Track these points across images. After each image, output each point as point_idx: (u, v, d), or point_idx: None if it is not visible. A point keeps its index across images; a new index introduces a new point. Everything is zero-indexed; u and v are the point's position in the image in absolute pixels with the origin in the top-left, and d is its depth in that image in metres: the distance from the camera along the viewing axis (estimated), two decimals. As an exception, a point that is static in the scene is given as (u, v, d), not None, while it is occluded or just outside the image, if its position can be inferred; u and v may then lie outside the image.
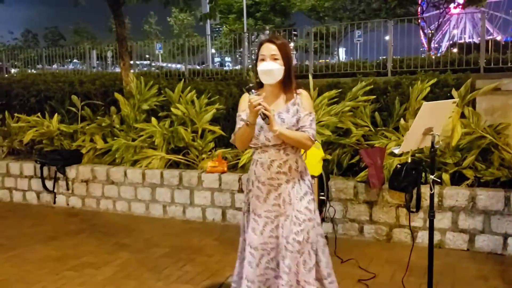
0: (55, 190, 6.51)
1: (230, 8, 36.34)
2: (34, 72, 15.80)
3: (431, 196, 2.91)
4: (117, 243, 4.88)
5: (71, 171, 6.40)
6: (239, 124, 2.76)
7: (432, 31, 36.65)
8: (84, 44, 17.84)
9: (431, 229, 2.96)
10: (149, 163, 6.06)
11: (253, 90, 2.53)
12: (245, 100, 2.70)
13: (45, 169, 6.51)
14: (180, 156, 6.14)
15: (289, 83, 2.73)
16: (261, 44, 2.75)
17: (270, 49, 2.66)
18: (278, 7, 36.36)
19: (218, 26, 43.10)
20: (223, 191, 5.46)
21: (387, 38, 14.20)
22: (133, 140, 6.44)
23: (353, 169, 5.50)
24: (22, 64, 19.34)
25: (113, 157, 6.41)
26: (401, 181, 4.52)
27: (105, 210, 6.21)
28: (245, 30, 30.02)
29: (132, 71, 9.88)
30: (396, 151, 2.84)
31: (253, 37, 21.77)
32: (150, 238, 5.03)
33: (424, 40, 41.00)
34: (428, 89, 5.72)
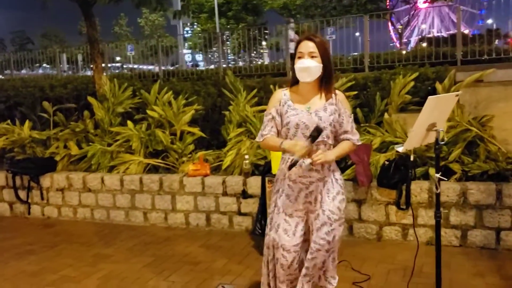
0: (29, 200, 6.20)
1: (201, 8, 36.00)
2: (2, 77, 15.27)
3: (437, 196, 2.77)
4: (97, 254, 4.64)
5: (45, 180, 6.10)
6: (268, 122, 2.79)
7: (402, 26, 37.09)
8: (54, 48, 17.33)
9: (438, 229, 2.81)
10: (127, 169, 5.82)
11: (310, 140, 2.56)
12: (275, 98, 2.80)
13: (18, 178, 6.20)
14: (159, 160, 5.93)
15: (328, 81, 2.72)
16: (299, 42, 2.73)
17: (308, 46, 2.65)
18: (250, 6, 36.16)
19: (190, 26, 42.75)
20: (206, 195, 5.26)
21: (357, 34, 14.22)
22: (109, 145, 6.20)
23: (338, 166, 5.36)
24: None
25: (89, 164, 6.15)
26: (390, 178, 4.42)
27: (83, 219, 5.93)
28: (217, 29, 29.74)
29: (104, 73, 9.60)
30: (400, 149, 2.71)
31: (224, 36, 21.57)
32: (131, 248, 4.80)
33: (394, 36, 41.47)
34: (412, 83, 5.67)
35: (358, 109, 5.70)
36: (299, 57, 2.66)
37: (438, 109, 2.56)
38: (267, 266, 2.95)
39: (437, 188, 2.73)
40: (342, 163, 5.28)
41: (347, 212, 4.63)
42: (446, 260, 3.99)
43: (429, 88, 6.53)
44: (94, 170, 6.06)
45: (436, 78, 6.56)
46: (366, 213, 4.63)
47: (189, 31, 42.70)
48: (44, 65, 21.01)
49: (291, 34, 13.14)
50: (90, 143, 6.33)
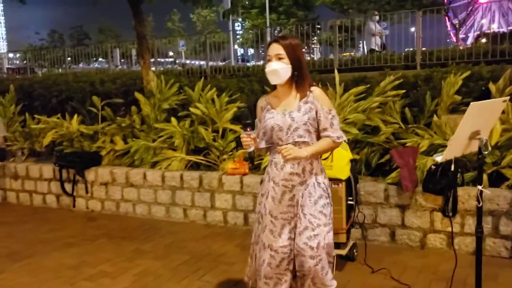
0: (74, 194, 6.37)
1: (253, 3, 36.00)
2: (58, 72, 15.83)
3: (479, 210, 2.58)
4: (136, 250, 4.69)
5: (90, 174, 6.24)
6: (258, 129, 2.82)
7: (459, 22, 35.62)
8: (108, 43, 17.81)
9: (478, 246, 2.63)
10: (168, 165, 5.86)
11: (247, 128, 2.61)
12: (259, 107, 2.85)
13: (64, 171, 6.38)
14: (200, 157, 5.93)
15: (300, 81, 2.70)
16: (268, 45, 2.74)
17: (274, 49, 2.65)
18: (301, 1, 35.85)
19: (241, 22, 42.87)
20: (244, 194, 5.22)
21: (412, 29, 13.73)
22: (154, 141, 6.25)
23: (382, 168, 5.19)
24: (49, 64, 19.48)
25: (132, 159, 6.23)
26: (436, 183, 4.20)
27: (125, 214, 6.03)
28: (267, 24, 29.66)
29: (154, 69, 9.74)
30: (439, 159, 2.55)
31: (276, 31, 21.45)
32: (170, 244, 4.83)
33: (451, 31, 39.91)
34: (461, 82, 5.38)
35: (407, 109, 5.45)
36: (268, 60, 2.67)
37: (482, 116, 2.37)
38: (251, 258, 2.99)
39: (479, 202, 2.53)
40: (387, 166, 5.11)
41: (390, 218, 4.49)
42: (493, 272, 3.76)
43: (483, 88, 6.21)
44: (138, 166, 6.14)
45: (491, 77, 6.22)
46: (410, 219, 4.42)
47: (240, 27, 42.87)
48: (100, 59, 21.64)
49: (373, 27, 12.81)
50: (135, 139, 6.42)
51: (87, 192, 6.28)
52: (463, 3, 39.55)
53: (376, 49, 12.62)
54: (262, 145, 2.76)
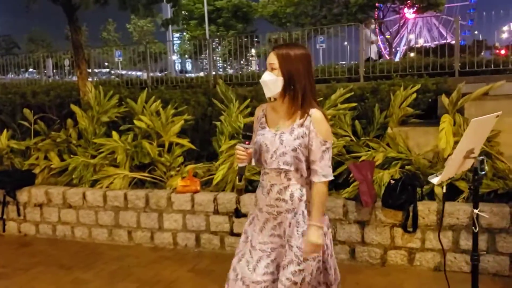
0: (4, 217, 5.75)
1: (191, 14, 35.71)
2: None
3: (475, 235, 2.39)
4: (76, 279, 4.23)
5: (23, 195, 5.66)
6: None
7: (389, 37, 37.06)
8: (39, 52, 16.88)
9: (474, 274, 2.46)
10: (111, 183, 5.43)
11: (246, 141, 2.32)
12: (255, 115, 2.54)
13: (-8, 192, 5.77)
14: (145, 174, 5.56)
15: (294, 99, 2.33)
16: (269, 53, 2.41)
17: (270, 57, 2.36)
18: (240, 13, 36.02)
19: (180, 33, 42.46)
20: (196, 213, 4.88)
21: (345, 43, 14.01)
22: (93, 157, 5.80)
23: (335, 182, 5.05)
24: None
25: (70, 177, 5.73)
26: (396, 198, 4.09)
27: (62, 238, 5.50)
28: (207, 36, 29.45)
29: (90, 79, 9.23)
30: (435, 181, 2.34)
31: (214, 43, 21.25)
32: (114, 271, 4.40)
33: (381, 45, 41.43)
34: (414, 95, 5.36)
35: (356, 121, 5.38)
36: (264, 70, 2.44)
37: (477, 133, 2.23)
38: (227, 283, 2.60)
39: (475, 226, 2.33)
40: (340, 179, 4.98)
41: (349, 234, 4.33)
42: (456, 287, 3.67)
43: (430, 100, 6.28)
44: (76, 184, 5.65)
45: (436, 90, 6.31)
46: (370, 235, 4.28)
47: (179, 38, 42.41)
48: (30, 69, 20.57)
49: (369, 35, 12.59)
50: (73, 155, 5.94)
51: (19, 214, 5.68)
52: (393, 18, 41.22)
53: (374, 57, 12.38)
54: (252, 163, 2.44)
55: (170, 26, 8.29)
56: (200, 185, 5.06)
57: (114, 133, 5.82)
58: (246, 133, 2.32)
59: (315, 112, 2.30)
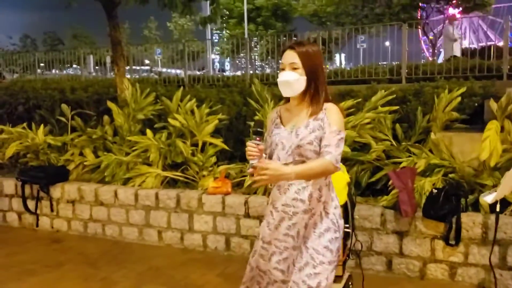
0: (37, 212, 5.80)
1: (231, 13, 35.76)
2: (26, 78, 15.19)
3: None
4: (105, 279, 4.18)
5: (56, 190, 5.68)
6: (266, 144, 2.43)
7: (431, 38, 36.12)
8: (81, 49, 17.22)
9: None
10: (143, 182, 5.37)
11: (257, 137, 2.20)
12: (269, 119, 2.50)
13: (27, 187, 5.80)
14: (178, 173, 5.48)
15: (315, 95, 2.33)
16: (283, 52, 2.33)
17: (289, 57, 2.31)
18: (279, 12, 35.78)
19: (218, 32, 42.63)
20: (226, 216, 4.77)
21: (387, 43, 13.59)
22: (127, 154, 5.76)
23: (372, 188, 4.84)
24: (20, 70, 18.78)
25: (103, 174, 5.71)
26: (438, 209, 3.84)
27: (93, 235, 5.49)
28: (246, 35, 29.42)
29: (129, 76, 9.28)
30: (489, 199, 2.13)
31: (252, 42, 21.21)
32: (143, 272, 4.33)
33: (424, 46, 40.36)
34: (459, 99, 5.08)
35: (397, 125, 5.14)
36: (282, 69, 2.34)
37: None
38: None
39: None
40: (379, 185, 4.76)
41: (386, 245, 4.11)
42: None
43: (476, 104, 5.95)
44: (109, 182, 5.63)
45: (483, 93, 5.98)
46: (409, 247, 4.04)
47: (218, 36, 42.59)
48: (74, 66, 21.08)
49: (452, 31, 11.93)
50: (107, 152, 5.93)
51: (52, 210, 5.71)
52: (438, 18, 40.13)
53: (458, 55, 11.62)
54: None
55: (208, 24, 8.22)
56: (231, 186, 4.94)
57: (148, 131, 5.77)
58: (257, 129, 2.21)
59: (330, 105, 2.32)
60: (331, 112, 2.29)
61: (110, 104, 6.30)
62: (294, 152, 2.27)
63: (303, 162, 2.26)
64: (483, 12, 32.56)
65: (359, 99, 5.31)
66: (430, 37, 36.19)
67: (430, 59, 31.23)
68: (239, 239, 4.72)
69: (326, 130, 2.25)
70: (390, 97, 5.23)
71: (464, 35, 47.99)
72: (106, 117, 6.43)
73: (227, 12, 35.20)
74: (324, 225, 2.32)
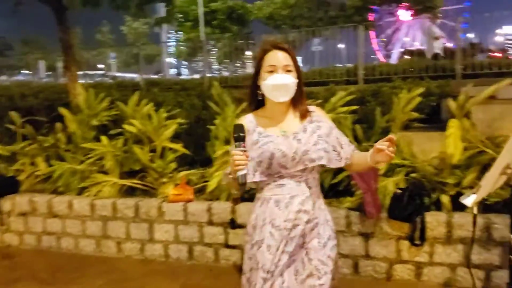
0: (-14, 226, 5.47)
1: (186, 16, 35.42)
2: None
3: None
4: (60, 296, 3.96)
5: (6, 203, 5.36)
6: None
7: (384, 40, 37.07)
8: (32, 54, 16.66)
9: None
10: (99, 191, 5.14)
11: (241, 143, 1.98)
12: (247, 130, 2.18)
13: (-26, 200, 5.47)
14: (136, 181, 5.27)
15: (301, 98, 2.23)
16: (265, 51, 2.15)
17: (282, 58, 2.15)
18: (234, 15, 35.75)
19: (173, 35, 42.25)
20: (189, 224, 4.60)
21: (340, 45, 13.80)
22: (82, 162, 5.51)
23: (335, 189, 4.80)
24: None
25: (56, 185, 5.44)
26: (403, 209, 3.83)
27: (48, 249, 5.20)
28: (202, 38, 29.18)
29: (83, 81, 8.97)
30: (469, 202, 2.08)
31: (209, 45, 21.03)
32: (101, 286, 4.13)
33: (376, 48, 41.28)
34: (419, 98, 5.11)
35: (357, 126, 5.14)
36: (271, 71, 2.14)
37: None
38: None
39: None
40: (341, 186, 4.72)
41: (352, 247, 4.07)
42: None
43: (433, 104, 6.06)
44: (62, 192, 5.36)
45: (439, 93, 6.09)
46: (375, 248, 4.01)
47: (173, 40, 42.16)
48: (23, 72, 20.44)
49: (436, 30, 11.94)
50: (61, 161, 5.65)
51: (2, 224, 5.39)
52: (389, 21, 41.12)
53: (441, 53, 11.78)
54: (257, 178, 2.14)
55: (163, 26, 8.11)
56: (193, 193, 4.78)
57: (103, 137, 5.54)
58: (239, 134, 1.98)
59: (317, 109, 2.28)
60: (320, 112, 2.28)
61: (62, 110, 6.04)
62: (303, 158, 2.12)
63: (312, 169, 2.16)
64: (432, 14, 33.56)
65: (320, 101, 5.26)
66: (382, 38, 37.11)
67: (382, 60, 31.99)
68: (203, 248, 4.57)
69: (333, 131, 2.23)
70: (349, 98, 5.22)
71: (415, 37, 49.45)
72: (58, 124, 6.18)
73: (182, 15, 34.82)
74: (326, 234, 2.21)
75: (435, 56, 10.91)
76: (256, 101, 2.25)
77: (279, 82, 2.11)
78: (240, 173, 1.94)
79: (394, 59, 34.02)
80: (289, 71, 2.14)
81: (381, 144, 1.98)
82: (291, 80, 2.13)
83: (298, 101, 2.21)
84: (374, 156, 2.06)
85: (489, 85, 4.83)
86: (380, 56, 38.99)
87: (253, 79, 2.23)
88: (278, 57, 2.14)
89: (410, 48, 32.69)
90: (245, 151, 1.97)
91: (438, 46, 12.05)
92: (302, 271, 2.16)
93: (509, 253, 2.54)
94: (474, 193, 2.05)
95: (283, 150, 2.12)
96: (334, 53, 12.76)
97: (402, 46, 42.16)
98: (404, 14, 37.73)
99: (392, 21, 41.27)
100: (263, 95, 2.21)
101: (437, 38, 11.84)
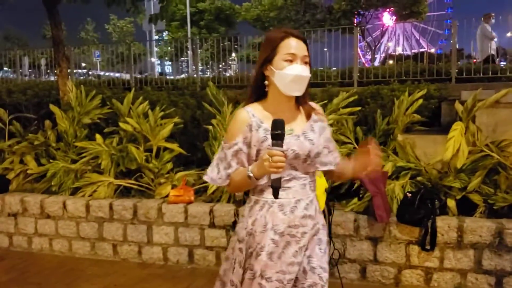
0: (-26, 227, 5.23)
1: (173, 16, 35.17)
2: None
3: None
4: (54, 302, 3.77)
5: (-5, 203, 5.15)
6: (232, 158, 1.99)
7: (367, 44, 37.35)
8: (15, 51, 16.28)
9: None
10: (94, 191, 4.95)
11: (280, 142, 1.77)
12: (240, 122, 1.98)
13: (-39, 200, 5.23)
14: (132, 181, 5.11)
15: (307, 95, 2.06)
16: (282, 38, 1.94)
17: (302, 48, 1.95)
18: (222, 16, 35.65)
19: (160, 34, 41.91)
20: (189, 226, 4.45)
21: (325, 49, 13.80)
22: (74, 161, 5.32)
23: (336, 192, 4.70)
24: None
25: (49, 184, 5.23)
26: (414, 213, 3.74)
27: (39, 251, 4.99)
28: (189, 38, 28.96)
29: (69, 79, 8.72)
30: None
31: (195, 46, 20.86)
32: (98, 291, 3.95)
33: (361, 52, 41.62)
34: (421, 101, 5.06)
35: (358, 128, 5.07)
36: (289, 60, 1.92)
37: None
38: None
39: None
40: (342, 189, 4.62)
41: (360, 252, 3.97)
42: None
43: (433, 106, 6.00)
44: (55, 192, 5.15)
45: (439, 96, 6.05)
46: (383, 253, 3.91)
47: (160, 39, 41.84)
48: (5, 68, 20.00)
49: (489, 30, 11.14)
50: (51, 159, 5.45)
51: (-10, 225, 5.17)
52: (376, 24, 41.46)
53: (494, 54, 11.02)
54: (264, 180, 1.94)
55: (156, 22, 7.91)
56: (194, 194, 4.63)
57: (98, 136, 5.36)
58: (279, 132, 1.75)
59: (316, 105, 2.15)
60: (322, 111, 2.15)
61: (53, 108, 5.85)
62: (315, 161, 2.01)
63: (315, 171, 2.08)
64: (418, 19, 33.82)
65: (325, 101, 5.18)
66: (366, 42, 37.33)
67: (366, 64, 32.14)
68: (204, 251, 4.41)
69: (327, 131, 2.11)
70: (352, 98, 5.15)
71: (398, 42, 49.88)
72: (47, 122, 6.02)
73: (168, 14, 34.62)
74: (324, 239, 2.10)
75: (487, 59, 9.97)
76: (261, 93, 2.04)
77: (300, 73, 1.91)
78: (275, 176, 1.77)
79: (376, 64, 34.26)
80: (306, 63, 1.96)
81: (372, 148, 1.94)
82: (308, 72, 1.95)
83: (304, 98, 2.05)
84: (356, 164, 2.02)
85: (484, 89, 4.84)
86: (364, 60, 39.24)
87: (259, 66, 1.99)
88: (298, 46, 1.94)
89: (393, 53, 32.99)
90: (284, 151, 1.77)
91: (493, 48, 11.15)
92: (304, 280, 2.02)
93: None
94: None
95: (296, 151, 1.95)
96: (324, 56, 12.69)
97: (385, 51, 42.59)
98: (388, 19, 38.03)
99: (377, 25, 41.62)
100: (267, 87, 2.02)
101: (492, 39, 11.19)
